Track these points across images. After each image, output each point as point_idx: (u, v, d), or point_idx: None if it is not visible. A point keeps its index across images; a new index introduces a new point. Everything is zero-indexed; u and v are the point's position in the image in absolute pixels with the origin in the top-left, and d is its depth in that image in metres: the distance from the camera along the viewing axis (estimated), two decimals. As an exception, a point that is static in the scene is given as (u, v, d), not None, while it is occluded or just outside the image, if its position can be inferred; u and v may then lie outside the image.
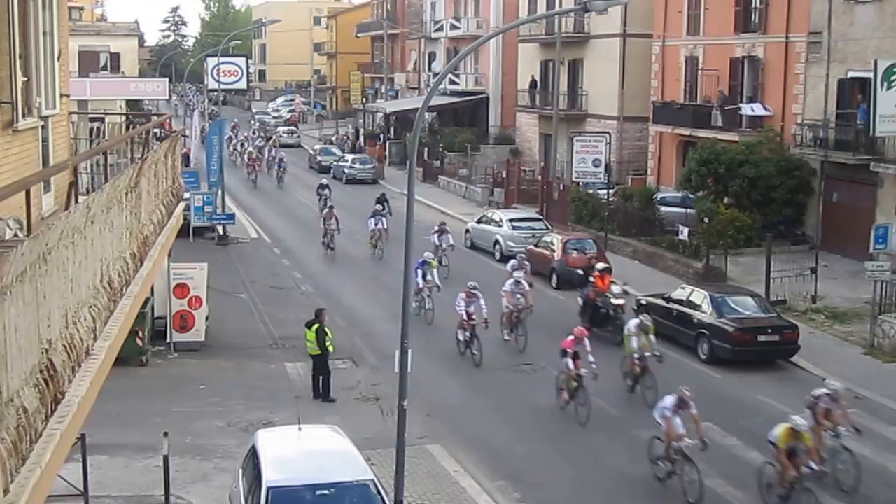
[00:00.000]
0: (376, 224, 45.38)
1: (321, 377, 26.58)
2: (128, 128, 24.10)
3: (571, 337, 25.20)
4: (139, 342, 27.86)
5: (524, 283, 32.37)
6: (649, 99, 56.21)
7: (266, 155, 78.29)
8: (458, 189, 65.26)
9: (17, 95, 13.29)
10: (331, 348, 26.83)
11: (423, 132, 69.77)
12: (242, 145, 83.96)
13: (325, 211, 46.86)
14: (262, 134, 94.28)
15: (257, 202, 62.90)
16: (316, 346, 26.54)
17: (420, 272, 34.02)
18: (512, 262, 35.23)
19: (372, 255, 45.17)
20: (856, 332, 32.16)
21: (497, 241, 44.67)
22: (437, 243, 41.60)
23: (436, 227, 42.76)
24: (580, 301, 33.56)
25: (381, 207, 48.86)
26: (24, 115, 13.71)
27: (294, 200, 63.51)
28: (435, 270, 35.04)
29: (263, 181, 71.55)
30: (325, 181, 59.10)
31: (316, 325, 26.70)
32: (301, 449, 18.20)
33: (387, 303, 35.15)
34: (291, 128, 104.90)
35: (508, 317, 31.75)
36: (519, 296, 31.74)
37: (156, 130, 25.39)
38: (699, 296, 30.95)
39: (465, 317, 30.06)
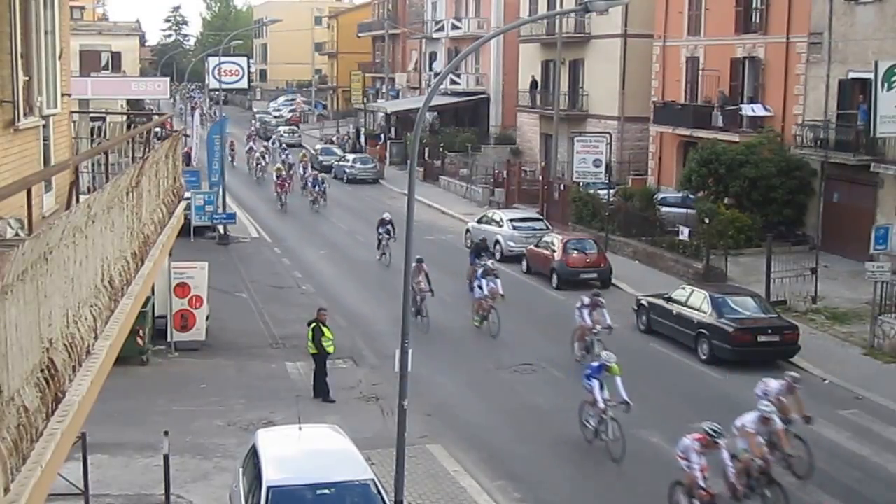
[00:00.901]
0: (489, 285, 32.88)
1: (314, 377, 26.61)
2: (129, 127, 24.16)
3: None
4: (140, 341, 27.87)
5: (776, 419, 20.52)
6: (650, 99, 56.24)
7: (303, 172, 66.27)
8: (459, 189, 65.27)
9: (18, 94, 13.33)
10: (330, 349, 26.76)
11: (423, 132, 69.79)
12: (263, 157, 74.53)
13: (413, 266, 28.42)
14: (284, 145, 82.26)
15: (291, 231, 52.88)
16: (311, 345, 26.57)
17: (596, 382, 23.01)
18: (774, 384, 22.14)
19: (479, 327, 33.27)
20: (856, 333, 32.17)
21: (497, 241, 44.66)
22: (589, 323, 29.64)
23: (585, 300, 30.01)
24: None
25: (490, 263, 35.10)
26: (25, 115, 13.74)
27: (333, 229, 53.79)
28: (619, 379, 22.83)
29: (294, 202, 60.59)
30: (387, 216, 44.32)
31: (313, 324, 26.71)
32: (301, 448, 18.21)
33: (537, 431, 24.69)
34: (292, 127, 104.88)
35: (746, 467, 19.57)
36: (764, 440, 20.06)
37: (157, 130, 25.40)
38: (699, 296, 30.96)
39: (700, 482, 18.56)
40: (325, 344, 26.46)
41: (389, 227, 43.50)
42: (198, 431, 23.57)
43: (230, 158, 73.22)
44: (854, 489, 21.23)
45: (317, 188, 59.40)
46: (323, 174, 65.69)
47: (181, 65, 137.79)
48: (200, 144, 63.66)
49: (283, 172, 62.54)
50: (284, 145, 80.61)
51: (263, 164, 73.02)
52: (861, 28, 41.30)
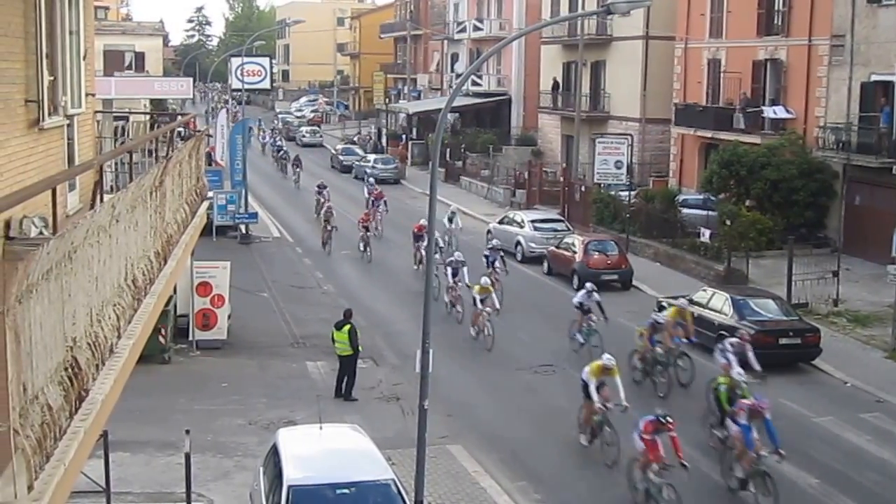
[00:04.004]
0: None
1: (346, 377, 26.60)
2: (152, 127, 24.25)
3: None
4: (162, 340, 27.99)
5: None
6: (671, 101, 56.16)
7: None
8: (480, 190, 65.30)
9: (43, 94, 13.39)
10: (360, 347, 26.92)
11: (445, 133, 69.78)
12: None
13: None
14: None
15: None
16: (348, 347, 26.51)
17: None
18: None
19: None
20: (877, 336, 32.08)
21: (519, 242, 44.66)
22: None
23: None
24: None
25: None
26: (49, 114, 13.80)
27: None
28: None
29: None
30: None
31: (348, 326, 26.71)
32: (322, 448, 18.27)
33: None
34: (314, 127, 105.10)
35: None
36: None
37: (179, 129, 25.45)
38: (720, 298, 30.90)
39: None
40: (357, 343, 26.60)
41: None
42: (219, 430, 23.65)
43: (323, 239, 47.14)
44: (874, 492, 21.19)
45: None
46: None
47: (204, 65, 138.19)
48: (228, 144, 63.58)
49: (477, 301, 31.29)
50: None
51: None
52: (883, 31, 41.15)
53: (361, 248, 45.40)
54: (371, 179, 59.58)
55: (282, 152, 79.94)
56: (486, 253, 38.22)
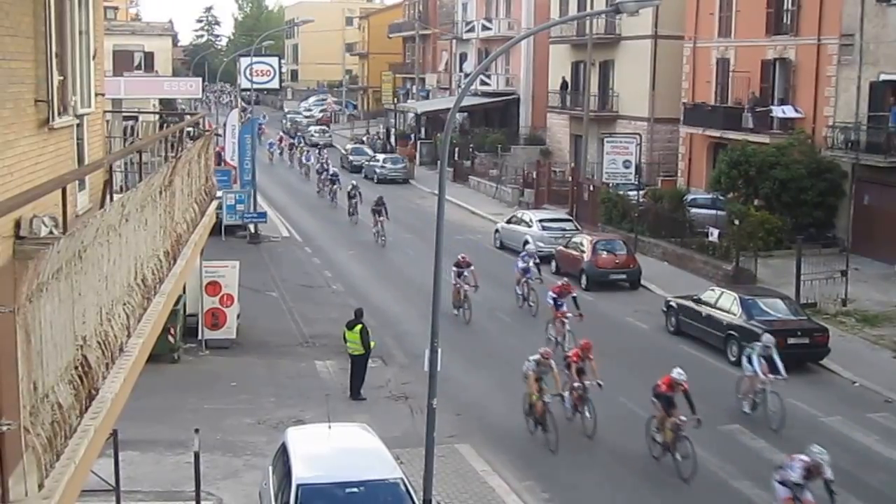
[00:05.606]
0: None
1: (355, 376, 26.65)
2: (161, 126, 24.30)
3: None
4: (171, 339, 28.05)
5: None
6: (680, 100, 56.11)
7: None
8: (489, 189, 65.31)
9: (52, 94, 13.41)
10: (373, 344, 26.95)
11: (453, 132, 69.80)
12: None
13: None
14: None
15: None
16: (360, 346, 26.56)
17: None
18: None
19: None
20: (886, 336, 32.04)
21: (527, 242, 44.63)
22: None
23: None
24: None
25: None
26: (59, 114, 13.82)
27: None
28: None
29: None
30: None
31: (360, 326, 26.75)
32: (331, 447, 18.30)
33: None
34: (323, 127, 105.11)
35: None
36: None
37: (188, 129, 25.48)
38: (729, 298, 30.88)
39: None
40: (369, 342, 26.63)
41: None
42: (228, 429, 23.70)
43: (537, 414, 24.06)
44: (882, 492, 21.18)
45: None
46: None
47: (213, 65, 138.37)
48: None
49: None
50: None
51: None
52: (893, 30, 41.07)
53: (570, 409, 24.64)
54: (531, 247, 38.48)
55: (343, 185, 60.68)
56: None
